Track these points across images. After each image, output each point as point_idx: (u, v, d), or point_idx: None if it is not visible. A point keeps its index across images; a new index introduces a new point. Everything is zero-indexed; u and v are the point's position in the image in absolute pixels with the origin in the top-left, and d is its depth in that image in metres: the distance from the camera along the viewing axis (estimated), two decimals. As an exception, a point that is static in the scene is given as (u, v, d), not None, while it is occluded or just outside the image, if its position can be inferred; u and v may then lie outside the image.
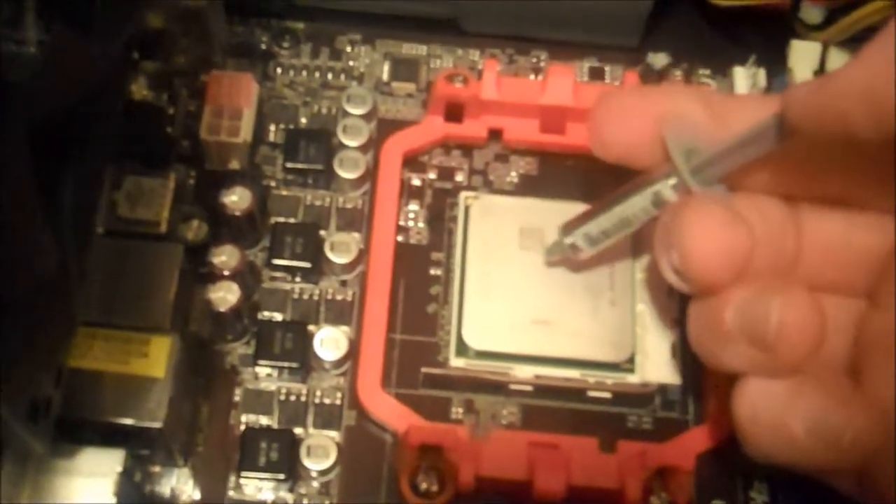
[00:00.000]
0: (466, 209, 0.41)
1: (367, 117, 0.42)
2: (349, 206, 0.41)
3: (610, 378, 0.38)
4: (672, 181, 0.34)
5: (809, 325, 0.31)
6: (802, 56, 0.43)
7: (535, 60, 0.45)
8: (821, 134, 0.29)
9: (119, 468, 0.33)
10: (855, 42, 0.42)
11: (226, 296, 0.37)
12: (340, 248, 0.40)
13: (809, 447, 0.31)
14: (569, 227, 0.38)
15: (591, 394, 0.39)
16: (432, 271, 0.40)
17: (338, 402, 0.38)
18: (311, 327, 0.39)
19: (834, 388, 0.32)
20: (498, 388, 0.39)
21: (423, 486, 0.36)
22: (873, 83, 0.28)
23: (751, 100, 0.34)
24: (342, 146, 0.42)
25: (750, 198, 0.34)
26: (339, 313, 0.40)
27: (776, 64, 0.44)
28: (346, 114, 0.42)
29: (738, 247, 0.32)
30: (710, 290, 0.33)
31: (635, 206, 0.36)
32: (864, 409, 0.31)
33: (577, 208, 0.40)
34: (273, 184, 0.42)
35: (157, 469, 0.37)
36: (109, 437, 0.34)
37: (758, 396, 0.32)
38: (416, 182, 0.42)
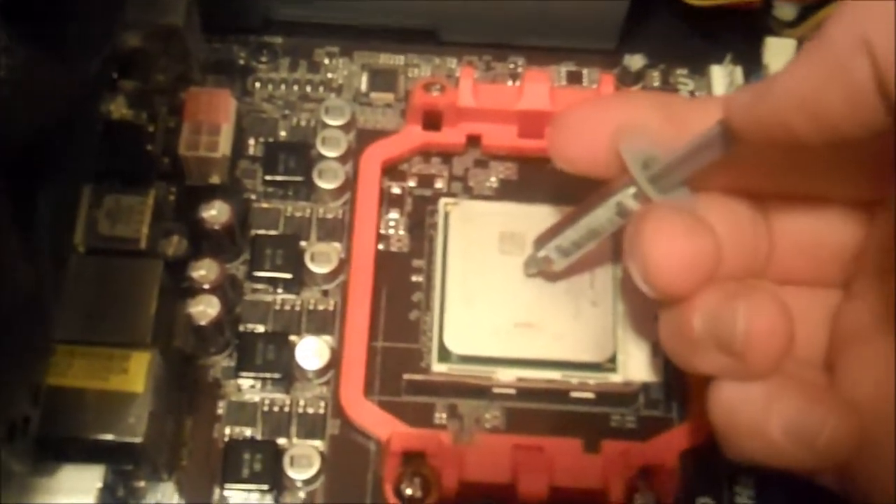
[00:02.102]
0: (446, 215, 0.41)
1: (345, 128, 0.43)
2: (329, 216, 0.41)
3: (593, 378, 0.38)
4: (632, 190, 0.34)
5: (777, 330, 0.31)
6: (777, 53, 0.43)
7: (512, 66, 0.45)
8: (764, 140, 0.29)
9: (99, 484, 0.34)
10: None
11: (206, 309, 0.37)
12: (321, 258, 0.40)
13: (787, 449, 0.31)
14: (541, 241, 0.38)
15: (575, 395, 0.39)
16: (414, 278, 0.41)
17: (321, 411, 0.38)
18: (292, 337, 0.39)
19: (809, 388, 0.32)
20: (481, 392, 0.39)
21: (408, 492, 0.36)
22: (808, 90, 0.27)
23: (711, 102, 0.34)
24: (321, 157, 0.42)
25: (715, 199, 0.34)
26: (321, 323, 0.40)
27: (753, 62, 0.44)
28: (324, 125, 0.43)
29: (701, 255, 0.32)
30: (675, 300, 0.33)
31: (601, 217, 0.36)
32: (839, 407, 0.31)
33: (557, 212, 0.40)
34: (254, 197, 0.42)
35: (141, 484, 0.37)
36: (92, 453, 0.34)
37: (732, 400, 0.32)
38: (396, 190, 0.42)
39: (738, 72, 0.44)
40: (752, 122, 0.29)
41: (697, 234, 0.32)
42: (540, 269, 0.39)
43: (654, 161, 0.33)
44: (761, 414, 0.31)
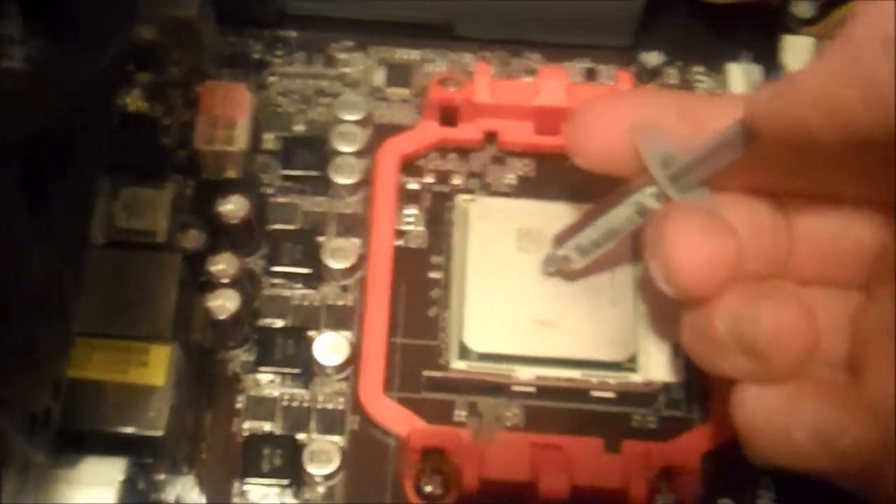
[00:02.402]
0: (464, 212, 0.41)
1: (361, 123, 0.42)
2: (347, 211, 0.41)
3: (613, 378, 0.38)
4: (652, 190, 0.34)
5: (800, 332, 0.31)
6: (795, 51, 0.43)
7: (528, 62, 0.45)
8: (784, 139, 0.29)
9: (121, 476, 0.33)
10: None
11: (225, 304, 0.37)
12: (339, 253, 0.40)
13: (811, 451, 0.31)
14: (560, 240, 0.38)
15: (595, 394, 0.38)
16: (432, 275, 0.40)
17: (340, 407, 0.38)
18: (311, 333, 0.39)
19: (832, 390, 0.32)
20: (500, 390, 0.38)
21: (428, 489, 0.36)
22: (828, 89, 0.27)
23: (727, 100, 0.34)
24: (338, 152, 0.42)
25: (735, 199, 0.34)
26: (339, 318, 0.39)
27: (770, 59, 0.44)
28: (340, 120, 0.42)
29: (722, 256, 0.32)
30: (698, 301, 0.33)
31: (620, 216, 0.35)
32: (862, 409, 0.31)
33: (575, 209, 0.40)
34: (270, 191, 0.42)
35: (161, 477, 0.37)
36: (112, 446, 0.34)
37: (756, 403, 0.32)
38: (414, 186, 0.42)
39: (755, 69, 0.44)
40: (771, 121, 0.29)
41: (719, 235, 0.32)
42: (558, 268, 0.39)
43: (672, 159, 0.33)
44: (785, 417, 0.31)
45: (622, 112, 0.35)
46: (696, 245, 0.32)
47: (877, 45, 0.26)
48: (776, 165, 0.33)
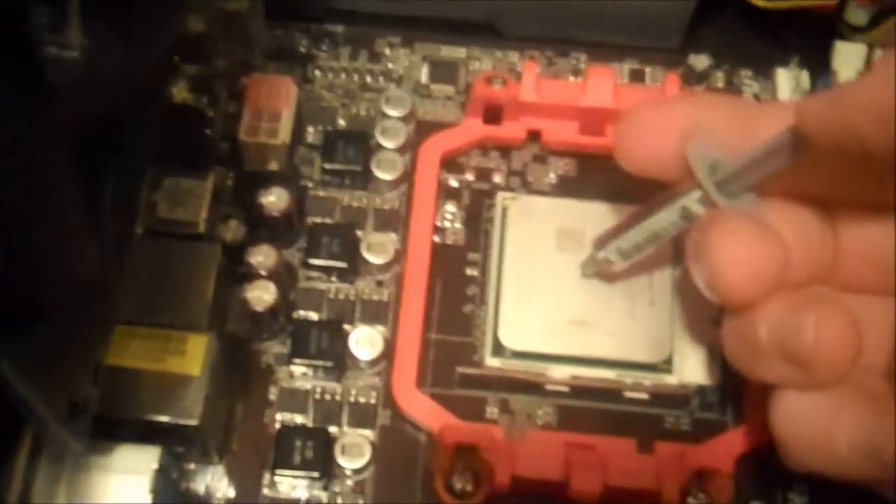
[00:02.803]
0: (504, 210, 0.41)
1: (405, 119, 0.43)
2: (386, 206, 0.41)
3: (647, 379, 0.38)
4: (698, 195, 0.34)
5: (845, 341, 0.30)
6: (847, 58, 0.43)
7: (574, 62, 0.45)
8: (835, 148, 0.29)
9: (155, 465, 0.34)
10: (901, 44, 0.42)
11: (262, 295, 0.37)
12: (377, 248, 0.40)
13: (853, 461, 0.31)
14: (601, 242, 0.38)
15: (628, 394, 0.38)
16: (468, 272, 0.40)
17: (373, 401, 0.38)
18: (346, 326, 0.39)
19: (875, 399, 0.31)
20: (534, 388, 0.38)
21: (458, 486, 0.36)
22: (884, 98, 0.27)
23: (780, 107, 0.34)
24: (380, 147, 0.42)
25: (782, 206, 0.33)
26: (374, 313, 0.40)
27: (819, 65, 0.43)
28: (384, 115, 0.43)
29: (768, 264, 0.32)
30: (742, 308, 0.32)
31: (664, 220, 0.35)
32: None
33: (616, 210, 0.40)
34: (311, 185, 0.42)
35: (192, 466, 0.37)
36: (146, 434, 0.35)
37: (796, 410, 0.32)
38: (454, 183, 0.42)
39: (804, 75, 0.43)
40: (823, 130, 0.29)
41: (766, 242, 0.32)
42: (599, 270, 0.39)
43: (720, 165, 0.33)
44: (826, 425, 0.31)
45: (672, 117, 0.35)
46: (741, 252, 0.32)
47: None
48: (825, 173, 0.33)
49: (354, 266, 0.40)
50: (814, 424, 0.31)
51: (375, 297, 0.40)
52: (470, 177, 0.42)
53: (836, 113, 0.28)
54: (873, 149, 0.28)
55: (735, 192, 0.33)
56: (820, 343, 0.30)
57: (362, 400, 0.38)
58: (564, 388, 0.38)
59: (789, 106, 0.35)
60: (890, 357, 0.33)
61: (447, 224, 0.41)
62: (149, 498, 0.34)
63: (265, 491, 0.37)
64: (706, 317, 0.38)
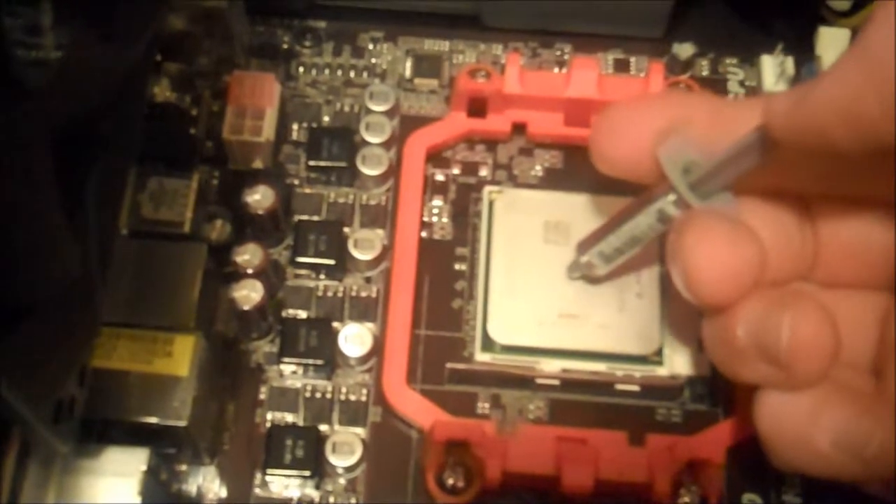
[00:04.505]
0: (490, 204, 0.41)
1: (389, 114, 0.42)
2: (373, 202, 0.41)
3: (638, 371, 0.38)
4: (672, 197, 0.33)
5: (822, 341, 0.30)
6: (831, 43, 0.43)
7: (558, 53, 0.45)
8: (804, 147, 0.29)
9: (143, 467, 0.33)
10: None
11: (249, 294, 0.37)
12: (364, 244, 0.40)
13: (835, 460, 0.30)
14: (583, 246, 0.38)
15: (619, 387, 0.38)
16: (457, 266, 0.40)
17: (363, 398, 0.38)
18: (335, 324, 0.39)
19: (857, 397, 0.31)
20: (524, 382, 0.38)
21: (450, 481, 0.36)
22: (847, 97, 0.27)
23: (756, 103, 0.33)
24: (365, 143, 0.42)
25: (759, 203, 0.33)
26: (363, 310, 0.39)
27: (804, 52, 0.43)
28: (368, 111, 0.42)
29: (743, 265, 0.31)
30: (719, 309, 0.32)
31: (643, 223, 0.35)
32: (888, 417, 0.30)
33: (603, 202, 0.40)
34: (297, 182, 0.42)
35: (183, 468, 0.37)
36: (135, 436, 0.34)
37: (778, 409, 0.31)
38: (440, 177, 0.42)
39: (789, 62, 0.43)
40: (790, 130, 0.29)
41: (740, 243, 0.31)
42: (583, 274, 0.39)
43: (695, 166, 0.33)
44: (808, 425, 0.31)
45: (647, 117, 0.34)
46: (717, 254, 0.31)
47: (894, 52, 0.26)
48: (800, 169, 0.32)
49: (342, 263, 0.40)
50: (796, 424, 0.31)
51: (364, 294, 0.40)
52: (456, 171, 0.42)
53: (801, 113, 0.28)
54: (840, 147, 0.28)
55: (710, 192, 0.33)
56: (796, 344, 0.30)
57: (353, 398, 0.38)
58: (555, 382, 0.38)
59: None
60: (874, 351, 0.33)
61: (434, 219, 0.41)
62: (138, 500, 0.33)
63: (257, 491, 0.37)
64: (695, 308, 0.38)
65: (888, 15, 0.26)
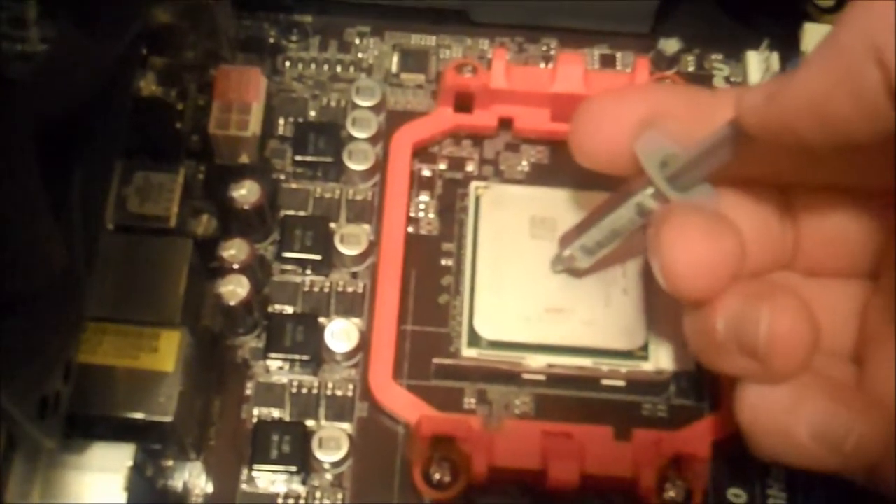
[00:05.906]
0: (477, 199, 0.41)
1: (376, 109, 0.42)
2: (359, 197, 0.41)
3: (624, 366, 0.38)
4: (651, 190, 0.33)
5: (800, 334, 0.30)
6: (816, 39, 0.43)
7: (545, 49, 0.45)
8: (776, 142, 0.29)
9: (129, 463, 0.33)
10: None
11: (235, 289, 0.37)
12: (351, 239, 0.40)
13: (815, 451, 0.31)
14: (565, 240, 0.38)
15: (605, 382, 0.38)
16: (443, 262, 0.40)
17: (349, 394, 0.38)
18: (321, 319, 0.39)
19: (836, 389, 0.31)
20: (510, 377, 0.38)
21: (437, 476, 0.36)
22: (817, 95, 0.27)
23: (735, 94, 0.33)
24: (351, 138, 0.41)
25: (738, 195, 0.33)
26: (349, 305, 0.39)
27: (790, 48, 0.43)
28: (355, 106, 0.42)
29: (723, 257, 0.31)
30: (698, 303, 0.32)
31: (623, 217, 0.35)
32: (867, 408, 0.31)
33: (589, 197, 0.40)
34: (283, 177, 0.42)
35: (169, 463, 0.37)
36: (121, 431, 0.34)
37: (759, 402, 0.31)
38: (427, 173, 0.42)
39: (775, 58, 0.43)
40: (761, 125, 0.29)
41: (718, 236, 0.31)
42: (566, 267, 0.39)
43: (673, 158, 0.33)
44: (788, 417, 0.31)
45: (627, 109, 0.34)
46: (695, 248, 0.31)
47: (865, 53, 0.26)
48: (778, 160, 0.33)
49: (328, 258, 0.40)
50: (776, 416, 0.31)
51: (350, 290, 0.40)
52: (443, 166, 0.42)
53: (772, 110, 0.28)
54: (811, 143, 0.28)
55: (688, 184, 0.33)
56: (774, 338, 0.30)
57: (339, 393, 0.38)
58: (541, 377, 0.38)
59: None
60: (855, 339, 0.33)
61: (421, 214, 0.41)
62: (123, 496, 0.33)
63: (243, 486, 0.37)
64: (679, 303, 0.38)
65: (858, 15, 0.27)
